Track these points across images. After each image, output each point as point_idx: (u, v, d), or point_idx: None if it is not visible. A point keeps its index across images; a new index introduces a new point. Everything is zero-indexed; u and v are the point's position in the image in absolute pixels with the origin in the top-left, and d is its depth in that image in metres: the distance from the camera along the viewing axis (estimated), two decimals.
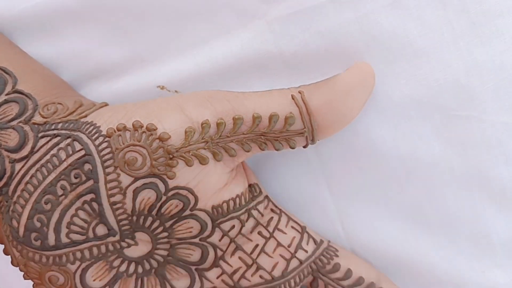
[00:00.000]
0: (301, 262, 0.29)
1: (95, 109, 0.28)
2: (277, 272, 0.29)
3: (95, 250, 0.27)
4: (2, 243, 0.28)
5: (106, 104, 0.29)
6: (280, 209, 0.30)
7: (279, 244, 0.29)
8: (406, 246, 0.32)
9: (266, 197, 0.30)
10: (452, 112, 0.30)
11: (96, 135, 0.27)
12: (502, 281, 0.31)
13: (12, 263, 0.28)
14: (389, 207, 0.31)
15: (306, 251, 0.29)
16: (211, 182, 0.27)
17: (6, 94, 0.28)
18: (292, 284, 0.29)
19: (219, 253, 0.28)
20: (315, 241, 0.30)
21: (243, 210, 0.28)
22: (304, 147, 0.28)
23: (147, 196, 0.27)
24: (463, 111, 0.30)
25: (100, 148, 0.26)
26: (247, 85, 0.31)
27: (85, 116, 0.28)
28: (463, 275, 0.31)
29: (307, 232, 0.30)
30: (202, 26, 0.30)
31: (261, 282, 0.29)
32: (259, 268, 0.29)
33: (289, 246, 0.29)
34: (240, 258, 0.29)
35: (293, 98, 0.27)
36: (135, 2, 0.30)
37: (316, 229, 0.32)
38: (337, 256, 0.30)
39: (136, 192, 0.26)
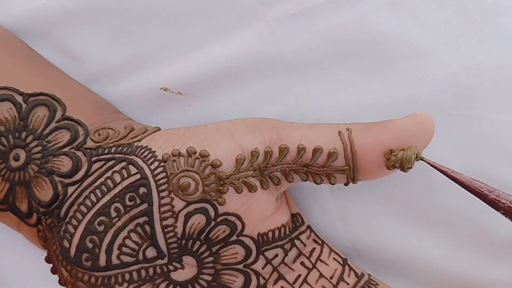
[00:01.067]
0: None
1: (148, 133, 0.28)
2: None
3: (143, 272, 0.27)
4: (49, 262, 0.29)
5: (159, 129, 0.29)
6: (322, 240, 0.30)
7: (321, 275, 0.29)
8: (406, 244, 0.32)
9: (308, 227, 0.30)
10: (452, 111, 0.30)
11: (152, 159, 0.27)
12: (502, 278, 0.31)
13: (59, 282, 0.28)
14: (389, 206, 0.31)
15: (348, 283, 0.29)
16: (258, 210, 0.28)
17: (57, 122, 0.28)
18: None
19: (262, 281, 0.28)
20: (356, 274, 0.30)
21: (287, 239, 0.29)
22: (345, 184, 0.28)
23: (198, 220, 0.27)
24: (463, 110, 0.30)
25: (155, 172, 0.27)
26: (247, 85, 0.31)
27: (139, 141, 0.28)
28: (463, 273, 0.31)
29: (349, 265, 0.30)
30: (202, 28, 0.31)
31: None
32: None
33: (331, 277, 0.29)
34: (282, 287, 0.29)
35: (339, 134, 0.27)
36: (136, 4, 0.31)
37: (317, 228, 0.32)
38: (378, 285, 0.30)
39: (187, 217, 0.27)
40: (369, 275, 0.30)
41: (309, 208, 0.32)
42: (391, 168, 0.27)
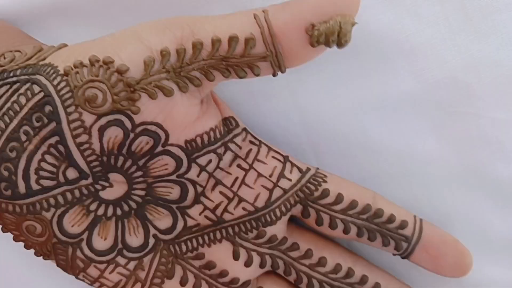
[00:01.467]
0: (285, 191, 0.28)
1: (53, 50, 0.27)
2: (260, 203, 0.28)
3: (68, 195, 0.26)
4: None
5: (66, 45, 0.27)
6: (260, 141, 0.29)
7: (259, 175, 0.28)
8: None
9: (244, 129, 0.29)
10: (449, 108, 0.30)
11: (54, 75, 0.25)
12: (499, 277, 0.31)
13: None
14: None
15: (290, 180, 0.28)
16: (180, 116, 0.26)
17: None
18: (278, 213, 0.28)
19: (199, 189, 0.28)
20: (300, 169, 0.29)
21: (219, 143, 0.28)
22: (273, 75, 0.26)
23: (114, 134, 0.26)
24: (460, 108, 0.30)
25: (59, 88, 0.25)
26: (243, 80, 0.30)
27: (44, 59, 0.26)
28: None
29: (290, 161, 0.29)
30: None
31: (244, 214, 0.28)
32: (241, 200, 0.28)
33: (270, 176, 0.28)
34: (221, 192, 0.28)
35: (255, 18, 0.25)
36: None
37: None
38: (325, 182, 0.29)
39: (101, 131, 0.25)
40: (317, 168, 0.29)
41: None
42: (316, 44, 0.25)
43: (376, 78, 0.30)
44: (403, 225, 0.29)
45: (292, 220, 0.30)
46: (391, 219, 0.29)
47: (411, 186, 0.31)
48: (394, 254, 0.30)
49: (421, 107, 0.30)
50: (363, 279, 0.29)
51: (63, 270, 0.29)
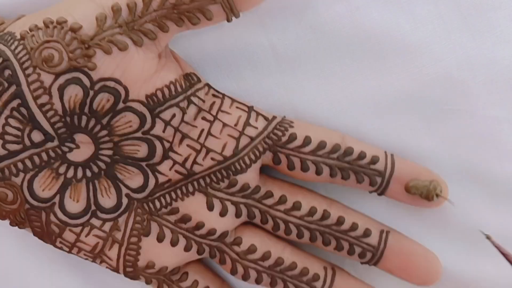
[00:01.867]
0: (251, 139, 0.28)
1: (12, 21, 0.27)
2: (228, 152, 0.28)
3: (36, 158, 0.27)
4: None
5: (24, 15, 0.28)
6: (223, 94, 0.29)
7: (225, 125, 0.28)
8: None
9: (207, 84, 0.29)
10: (444, 106, 0.30)
11: (12, 40, 0.26)
12: (495, 275, 0.31)
13: None
14: (381, 201, 0.31)
15: (256, 128, 0.29)
16: (138, 70, 0.26)
17: None
18: (247, 161, 0.28)
19: (166, 144, 0.28)
20: (265, 117, 0.29)
21: (181, 97, 0.28)
22: (227, 20, 0.27)
23: (74, 92, 0.26)
24: (455, 105, 0.30)
25: (16, 51, 0.26)
26: (239, 77, 0.31)
27: (3, 30, 0.27)
28: (456, 269, 0.31)
29: (255, 111, 0.29)
30: None
31: (213, 164, 0.28)
32: (209, 151, 0.28)
33: (235, 125, 0.28)
34: (188, 145, 0.28)
35: None
36: None
37: None
38: (292, 127, 0.29)
39: (61, 90, 0.26)
40: (284, 117, 0.29)
41: None
42: None
43: (371, 77, 0.30)
44: (375, 160, 0.29)
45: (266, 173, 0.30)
46: (361, 155, 0.29)
47: None
48: (370, 192, 0.29)
49: (416, 105, 0.30)
50: (340, 220, 0.29)
51: (40, 238, 0.29)
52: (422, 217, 0.31)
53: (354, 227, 0.29)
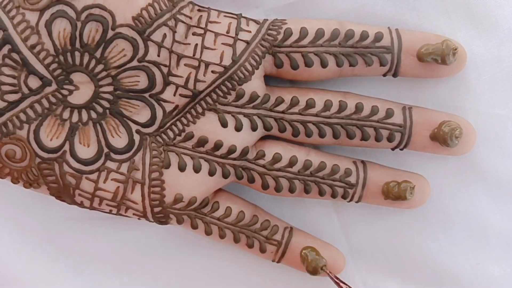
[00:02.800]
0: (247, 43, 0.28)
1: None
2: (227, 61, 0.27)
3: (37, 106, 0.26)
4: None
5: None
6: (208, 7, 0.28)
7: (217, 34, 0.27)
8: (400, 238, 0.31)
9: (190, 2, 0.28)
10: (448, 103, 0.30)
11: None
12: (496, 273, 0.31)
13: None
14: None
15: (249, 31, 0.28)
16: None
17: None
18: (249, 67, 0.28)
19: (164, 69, 0.27)
20: (256, 21, 0.28)
21: (168, 15, 0.27)
22: None
23: (62, 27, 0.26)
24: (459, 103, 0.30)
25: None
26: None
27: None
28: (457, 267, 0.31)
29: (245, 17, 0.28)
30: None
31: (216, 77, 0.27)
32: (207, 64, 0.27)
33: (227, 32, 0.28)
34: (186, 65, 0.27)
35: None
36: None
37: (311, 219, 0.32)
38: (285, 23, 0.28)
39: (48, 26, 0.26)
40: (276, 19, 0.28)
41: (304, 201, 0.32)
42: None
43: None
44: (379, 36, 0.28)
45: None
46: (363, 35, 0.28)
47: None
48: (384, 75, 0.29)
49: (420, 100, 0.30)
50: (358, 107, 0.28)
51: (57, 197, 0.28)
52: (424, 215, 0.31)
53: (374, 110, 0.28)
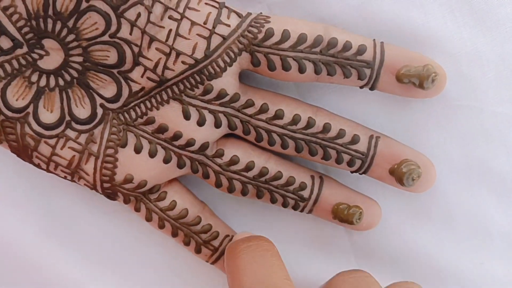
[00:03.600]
0: (224, 38, 0.27)
1: None
2: (198, 54, 0.27)
3: (7, 66, 0.26)
4: None
5: None
6: None
7: (193, 23, 0.26)
8: (405, 238, 0.31)
9: None
10: (453, 102, 0.30)
11: None
12: (501, 272, 0.30)
13: None
14: (388, 199, 0.31)
15: (228, 25, 0.27)
16: None
17: None
18: (221, 64, 0.27)
19: (135, 49, 0.27)
20: (238, 14, 0.27)
21: None
22: None
23: None
24: (464, 101, 0.30)
25: None
26: None
27: None
28: (461, 267, 0.31)
29: (227, 7, 0.27)
30: None
31: (185, 68, 0.27)
32: (178, 53, 0.27)
33: (205, 23, 0.27)
34: (157, 49, 0.27)
35: None
36: None
37: (313, 219, 0.31)
38: (268, 22, 0.27)
39: None
40: (260, 13, 0.27)
41: None
42: None
43: None
44: (362, 49, 0.27)
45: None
46: (347, 46, 0.27)
47: None
48: (360, 87, 0.28)
49: (425, 100, 0.30)
50: (326, 127, 0.28)
51: (17, 154, 0.28)
52: (428, 214, 0.30)
53: (341, 134, 0.28)
